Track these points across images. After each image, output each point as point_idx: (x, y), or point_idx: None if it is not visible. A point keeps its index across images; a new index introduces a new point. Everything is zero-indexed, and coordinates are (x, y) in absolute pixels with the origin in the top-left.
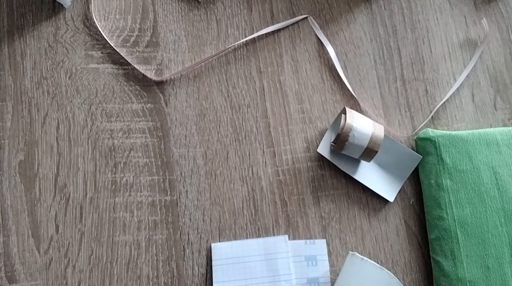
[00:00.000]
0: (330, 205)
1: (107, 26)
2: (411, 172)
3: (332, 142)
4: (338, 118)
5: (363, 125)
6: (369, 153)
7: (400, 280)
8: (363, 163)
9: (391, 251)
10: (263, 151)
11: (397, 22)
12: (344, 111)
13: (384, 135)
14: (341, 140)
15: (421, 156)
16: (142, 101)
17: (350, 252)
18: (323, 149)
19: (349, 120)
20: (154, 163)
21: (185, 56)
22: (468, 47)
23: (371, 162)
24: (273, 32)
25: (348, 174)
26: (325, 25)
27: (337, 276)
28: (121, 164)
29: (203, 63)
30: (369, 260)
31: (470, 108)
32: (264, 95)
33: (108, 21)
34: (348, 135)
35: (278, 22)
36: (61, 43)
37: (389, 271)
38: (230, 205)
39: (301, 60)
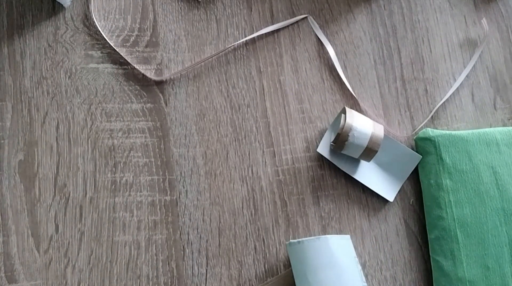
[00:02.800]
0: (330, 205)
1: (107, 26)
2: (411, 172)
3: (332, 142)
4: (338, 118)
5: (362, 125)
6: (368, 153)
7: (400, 280)
8: (363, 163)
9: (391, 251)
10: (263, 151)
11: (397, 22)
12: (344, 111)
13: (384, 135)
14: (341, 140)
15: (421, 156)
16: (142, 101)
17: (286, 242)
18: (323, 149)
19: (349, 120)
20: (154, 163)
21: (185, 56)
22: (468, 47)
23: (371, 162)
24: (273, 32)
25: (348, 174)
26: (325, 25)
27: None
28: (121, 164)
29: (203, 63)
30: (304, 239)
31: (470, 108)
32: (264, 95)
33: (108, 21)
34: (348, 135)
35: (278, 22)
36: (61, 43)
37: (326, 235)
38: (230, 205)
39: (301, 60)
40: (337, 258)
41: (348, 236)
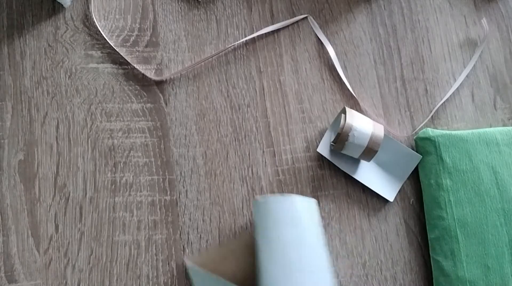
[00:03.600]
0: (330, 205)
1: (107, 25)
2: (411, 171)
3: (332, 142)
4: (338, 118)
5: (363, 125)
6: (368, 152)
7: (400, 280)
8: (363, 163)
9: (391, 251)
10: (263, 151)
11: (397, 22)
12: (344, 111)
13: (384, 134)
14: (341, 140)
15: (421, 156)
16: (142, 100)
17: (252, 201)
18: (323, 148)
19: (349, 120)
20: (154, 163)
21: (185, 56)
22: (468, 47)
23: (371, 161)
24: (273, 32)
25: (348, 174)
26: (325, 25)
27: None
28: (121, 164)
29: (203, 63)
30: (269, 196)
31: (470, 108)
32: (264, 95)
33: (108, 21)
34: (348, 135)
35: (278, 22)
36: (61, 43)
37: (291, 194)
38: (230, 205)
39: (301, 60)
40: (300, 217)
41: (314, 200)
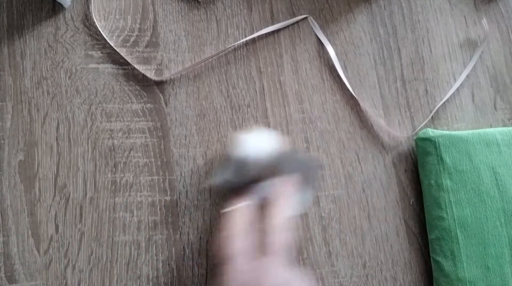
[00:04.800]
0: (330, 206)
1: (107, 26)
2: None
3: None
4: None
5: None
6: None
7: (400, 280)
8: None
9: (391, 251)
10: None
11: (397, 22)
12: (236, 139)
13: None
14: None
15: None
16: (142, 101)
17: None
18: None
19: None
20: (154, 163)
21: (185, 56)
22: (468, 47)
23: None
24: (273, 32)
25: (348, 174)
26: (325, 25)
27: None
28: (121, 164)
29: (203, 63)
30: None
31: (470, 108)
32: (264, 95)
33: (108, 21)
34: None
35: (278, 22)
36: (61, 43)
37: None
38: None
39: (301, 60)
40: None
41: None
